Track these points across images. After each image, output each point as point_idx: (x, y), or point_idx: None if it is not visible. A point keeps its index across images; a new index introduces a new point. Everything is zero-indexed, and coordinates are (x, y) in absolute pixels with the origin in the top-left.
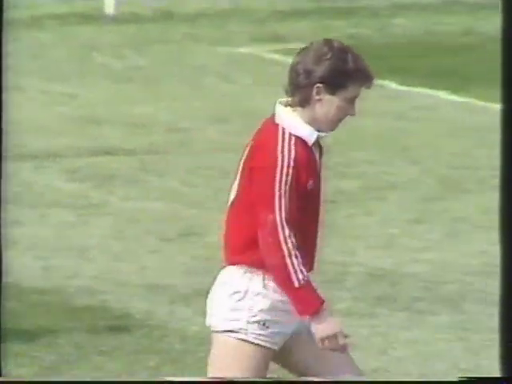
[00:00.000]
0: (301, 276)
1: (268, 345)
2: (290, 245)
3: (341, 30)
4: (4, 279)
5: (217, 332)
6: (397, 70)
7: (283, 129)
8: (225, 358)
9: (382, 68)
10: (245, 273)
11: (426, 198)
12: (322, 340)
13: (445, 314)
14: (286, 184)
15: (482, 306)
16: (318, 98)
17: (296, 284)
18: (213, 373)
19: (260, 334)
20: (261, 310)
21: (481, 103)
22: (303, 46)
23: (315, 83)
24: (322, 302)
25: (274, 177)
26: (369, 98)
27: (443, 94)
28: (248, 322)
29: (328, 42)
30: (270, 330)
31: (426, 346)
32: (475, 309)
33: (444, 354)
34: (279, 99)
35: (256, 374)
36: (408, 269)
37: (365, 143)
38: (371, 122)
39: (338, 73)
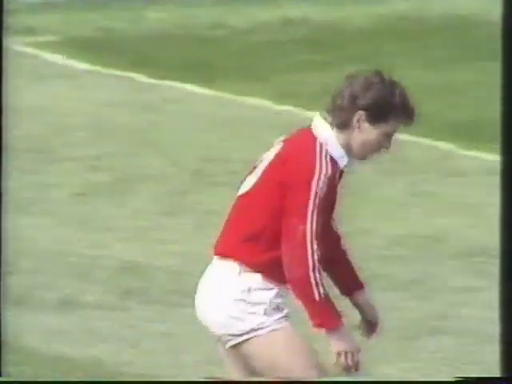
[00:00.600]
0: (322, 290)
1: (290, 323)
2: (315, 258)
3: (93, 23)
4: None
5: (238, 337)
6: (147, 63)
7: (321, 144)
8: (271, 357)
9: (133, 61)
10: (240, 273)
11: (176, 190)
12: (339, 355)
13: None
14: (319, 198)
15: None
16: (357, 124)
17: (317, 297)
18: (274, 374)
19: (281, 317)
20: (271, 298)
21: (229, 96)
22: (54, 38)
23: (358, 109)
24: (341, 317)
25: (310, 189)
26: (119, 91)
27: (192, 87)
28: (265, 314)
29: (379, 73)
30: (286, 311)
31: (178, 339)
32: None
33: (196, 347)
34: (319, 112)
35: (308, 351)
36: (159, 261)
37: (115, 136)
38: (121, 114)
39: (383, 104)
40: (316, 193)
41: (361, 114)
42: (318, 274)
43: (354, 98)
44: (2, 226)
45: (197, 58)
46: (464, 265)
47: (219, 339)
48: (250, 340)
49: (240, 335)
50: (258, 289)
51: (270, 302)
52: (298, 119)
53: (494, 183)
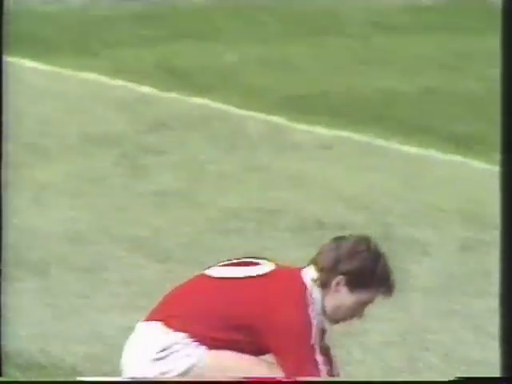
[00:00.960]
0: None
1: None
2: (324, 372)
3: None
4: None
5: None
6: None
7: (310, 294)
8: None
9: None
10: (168, 332)
11: (10, 164)
12: None
13: (31, 280)
14: (317, 345)
15: (67, 271)
16: (335, 288)
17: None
18: None
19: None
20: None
21: (63, 71)
22: None
23: (339, 274)
24: None
25: (310, 336)
26: None
27: (25, 61)
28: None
29: (367, 241)
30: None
31: (14, 312)
32: (60, 275)
33: (30, 319)
34: (311, 264)
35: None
36: None
37: None
38: None
39: (364, 274)
40: (315, 341)
41: (341, 278)
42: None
43: (337, 262)
44: None
45: (31, 32)
46: (300, 238)
47: None
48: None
49: (183, 374)
50: (185, 342)
51: (196, 343)
52: (131, 94)
53: (328, 157)
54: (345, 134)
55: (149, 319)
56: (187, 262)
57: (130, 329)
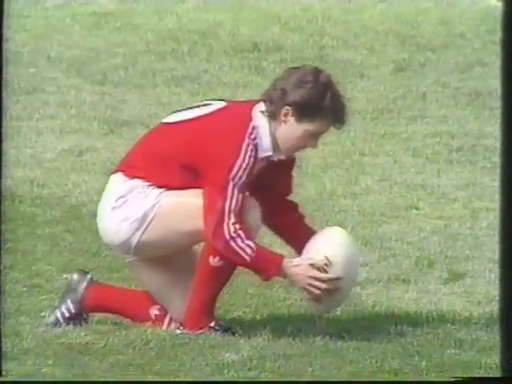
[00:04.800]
0: (249, 251)
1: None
2: (231, 228)
3: None
4: None
5: (143, 222)
6: None
7: (253, 127)
8: (177, 222)
9: None
10: (125, 181)
11: None
12: (303, 290)
13: None
14: (240, 179)
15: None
16: (283, 119)
17: (248, 259)
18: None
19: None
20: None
21: None
22: None
23: (285, 104)
24: (280, 258)
25: (232, 167)
26: None
27: None
28: (151, 193)
29: (316, 72)
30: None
31: None
32: None
33: None
34: (263, 96)
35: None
36: None
37: None
38: None
39: (310, 105)
40: (237, 173)
41: (288, 109)
42: (238, 241)
43: (284, 93)
44: None
45: None
46: (236, 61)
47: (127, 249)
48: (154, 221)
49: (142, 219)
50: (142, 186)
51: (152, 187)
52: None
53: None
54: None
55: (113, 171)
56: (123, 83)
57: (67, 151)
